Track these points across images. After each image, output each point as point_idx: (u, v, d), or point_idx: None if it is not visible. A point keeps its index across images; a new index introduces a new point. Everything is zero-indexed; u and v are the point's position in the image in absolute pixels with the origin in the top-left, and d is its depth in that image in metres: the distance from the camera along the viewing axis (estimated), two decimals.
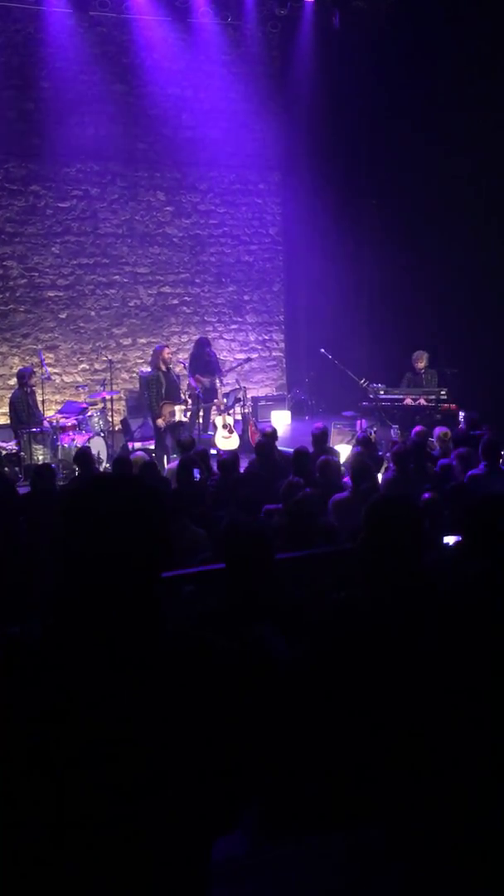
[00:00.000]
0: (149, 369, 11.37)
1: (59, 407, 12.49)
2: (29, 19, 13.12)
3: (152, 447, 10.92)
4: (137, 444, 11.48)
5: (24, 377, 10.94)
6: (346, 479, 7.40)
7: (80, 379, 13.94)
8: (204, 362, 12.49)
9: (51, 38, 13.26)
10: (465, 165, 11.90)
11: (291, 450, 8.64)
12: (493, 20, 11.41)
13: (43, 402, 11.44)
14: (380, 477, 7.55)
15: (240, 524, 3.86)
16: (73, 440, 10.55)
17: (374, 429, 11.14)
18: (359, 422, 11.48)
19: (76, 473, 9.68)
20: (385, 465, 8.44)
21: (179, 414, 10.83)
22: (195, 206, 15.23)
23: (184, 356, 13.24)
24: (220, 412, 12.13)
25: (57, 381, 13.69)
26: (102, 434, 11.03)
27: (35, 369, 11.40)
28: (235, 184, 15.54)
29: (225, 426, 11.89)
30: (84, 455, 9.01)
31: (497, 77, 11.43)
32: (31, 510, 6.79)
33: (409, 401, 11.14)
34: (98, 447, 10.59)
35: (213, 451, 10.15)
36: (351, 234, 13.33)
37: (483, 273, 11.93)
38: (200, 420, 12.02)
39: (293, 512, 5.37)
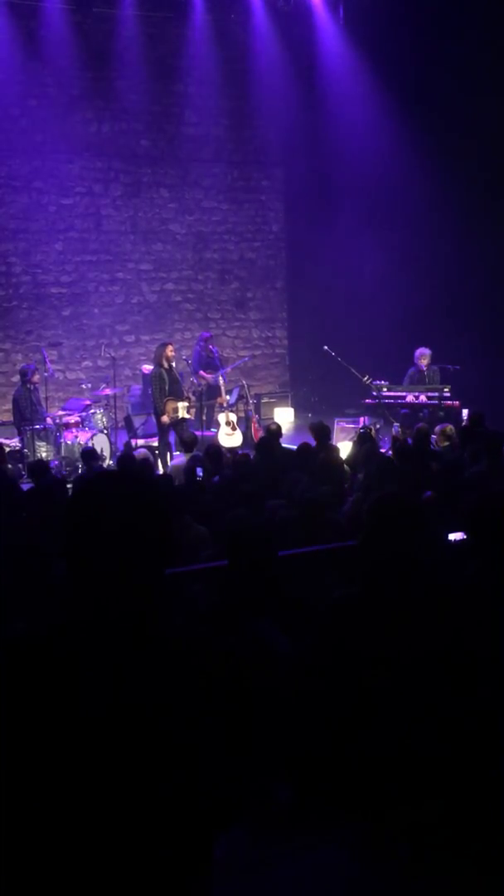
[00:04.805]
0: (151, 366, 11.38)
1: (62, 404, 12.51)
2: (31, 16, 13.12)
3: (155, 444, 10.92)
4: (140, 441, 11.49)
5: (26, 374, 10.94)
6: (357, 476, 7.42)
7: (83, 376, 13.94)
8: (207, 359, 12.50)
9: (53, 35, 13.25)
10: (469, 165, 11.89)
11: (294, 446, 8.64)
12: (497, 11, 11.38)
13: (46, 399, 11.44)
14: None
15: (242, 521, 3.86)
16: (77, 437, 10.55)
17: (377, 425, 11.13)
18: (361, 419, 11.48)
19: (79, 471, 9.71)
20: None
21: (183, 410, 10.83)
22: (198, 202, 15.23)
23: (187, 353, 13.25)
24: (223, 409, 12.13)
25: (60, 378, 13.69)
26: (105, 431, 11.04)
27: (38, 366, 11.40)
28: (238, 181, 15.53)
29: (228, 423, 11.89)
30: (90, 452, 9.07)
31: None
32: (30, 506, 6.80)
33: (411, 398, 11.13)
34: (101, 444, 10.59)
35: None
36: (353, 232, 13.30)
37: (487, 270, 11.92)
38: (204, 417, 12.03)
39: (306, 508, 5.35)
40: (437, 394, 11.05)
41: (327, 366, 12.75)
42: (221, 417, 11.95)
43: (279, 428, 9.22)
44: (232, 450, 10.73)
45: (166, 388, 10.72)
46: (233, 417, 12.04)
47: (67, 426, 10.78)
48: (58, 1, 13.06)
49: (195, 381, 12.22)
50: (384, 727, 2.07)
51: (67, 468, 10.18)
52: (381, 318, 13.05)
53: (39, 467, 8.01)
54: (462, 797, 2.03)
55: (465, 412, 10.45)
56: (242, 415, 12.85)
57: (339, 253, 13.64)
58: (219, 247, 15.52)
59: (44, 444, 10.58)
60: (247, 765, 1.74)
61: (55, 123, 13.67)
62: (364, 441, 8.67)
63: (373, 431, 10.10)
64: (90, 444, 10.12)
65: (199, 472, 8.14)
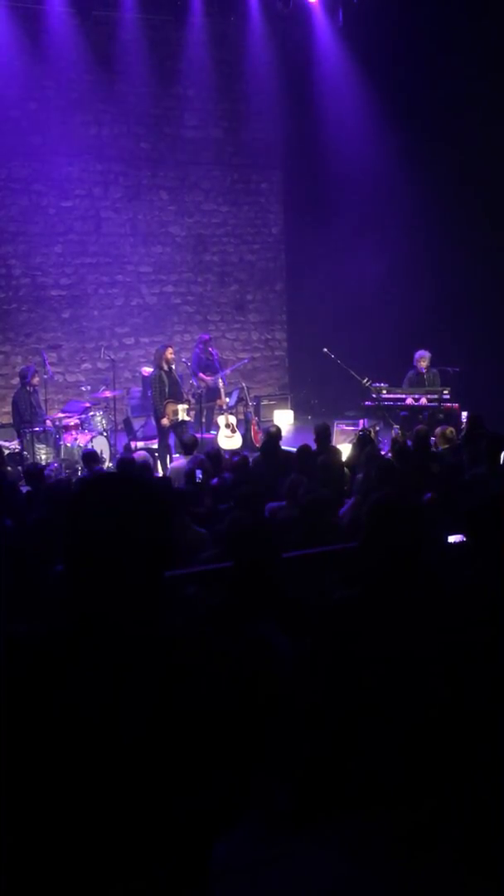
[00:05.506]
0: (151, 369, 11.38)
1: (61, 406, 12.51)
2: (32, 19, 13.14)
3: (155, 446, 10.93)
4: (140, 444, 11.49)
5: (25, 376, 10.94)
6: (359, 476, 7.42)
7: (82, 378, 13.95)
8: (206, 361, 12.51)
9: (53, 38, 13.27)
10: (469, 167, 11.90)
11: (294, 449, 8.64)
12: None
13: (46, 401, 11.45)
14: None
15: (245, 522, 3.86)
16: (76, 439, 10.55)
17: (377, 427, 11.14)
18: (361, 421, 11.48)
19: (79, 473, 9.71)
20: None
21: (182, 413, 10.84)
22: (198, 205, 15.24)
23: (186, 355, 13.26)
24: (223, 411, 12.14)
25: (59, 380, 13.69)
26: (105, 433, 11.04)
27: (37, 368, 11.41)
28: (238, 183, 15.55)
29: (227, 425, 11.89)
30: (91, 454, 9.10)
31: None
32: (29, 508, 6.81)
33: (411, 400, 11.14)
34: (101, 446, 10.60)
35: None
36: (353, 234, 13.32)
37: (486, 272, 11.93)
38: (203, 419, 12.03)
39: (309, 507, 5.35)
40: (436, 396, 11.05)
41: (327, 368, 12.76)
42: (221, 420, 11.96)
43: (279, 430, 9.22)
44: (233, 452, 10.73)
45: (166, 390, 10.73)
46: (232, 420, 12.05)
47: (67, 428, 10.78)
48: (58, 4, 13.08)
49: (195, 383, 12.22)
50: (384, 728, 2.08)
51: (67, 470, 10.19)
52: (380, 320, 13.07)
53: (35, 470, 8.12)
54: (461, 798, 2.03)
55: (464, 414, 10.45)
56: (242, 417, 12.85)
57: (338, 255, 13.65)
58: (218, 249, 15.53)
59: (43, 446, 10.59)
60: (247, 765, 1.74)
61: (55, 126, 13.69)
62: (364, 443, 8.66)
63: (372, 433, 10.10)
64: (90, 447, 10.12)
65: (199, 474, 8.14)
